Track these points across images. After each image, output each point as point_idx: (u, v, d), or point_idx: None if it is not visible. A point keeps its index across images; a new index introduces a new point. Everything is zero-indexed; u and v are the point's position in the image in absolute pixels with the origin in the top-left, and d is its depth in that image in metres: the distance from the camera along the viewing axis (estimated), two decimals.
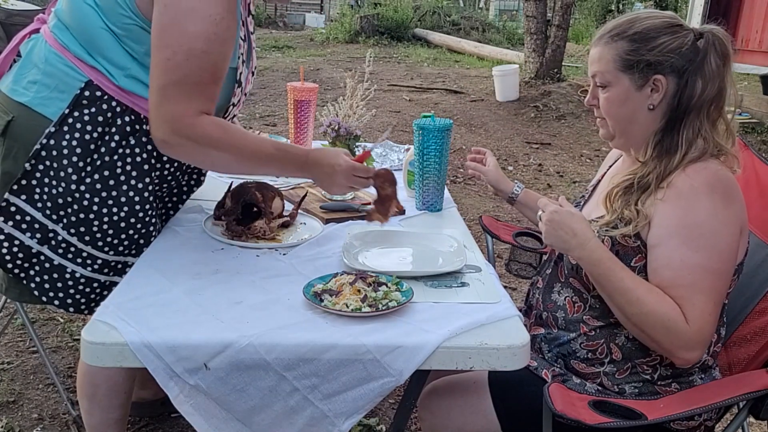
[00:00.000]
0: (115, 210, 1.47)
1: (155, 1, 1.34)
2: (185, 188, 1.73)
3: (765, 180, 1.58)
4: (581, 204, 1.61)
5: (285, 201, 1.68)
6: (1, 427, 2.08)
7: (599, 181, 1.62)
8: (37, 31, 1.55)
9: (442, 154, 1.81)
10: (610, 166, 1.62)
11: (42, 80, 1.44)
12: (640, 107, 1.37)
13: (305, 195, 1.81)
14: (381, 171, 1.52)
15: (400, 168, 2.24)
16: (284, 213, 1.65)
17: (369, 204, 1.84)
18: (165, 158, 1.54)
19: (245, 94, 1.63)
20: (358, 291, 1.26)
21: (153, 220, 1.55)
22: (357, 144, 1.91)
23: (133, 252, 1.54)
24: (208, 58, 1.35)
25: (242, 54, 1.53)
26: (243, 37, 1.53)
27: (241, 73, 1.55)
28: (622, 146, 1.49)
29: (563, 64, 8.11)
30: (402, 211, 1.82)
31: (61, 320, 2.72)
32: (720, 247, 1.27)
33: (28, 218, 1.47)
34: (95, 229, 1.47)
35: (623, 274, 1.30)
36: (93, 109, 1.43)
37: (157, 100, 1.35)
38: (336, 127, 1.84)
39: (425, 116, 1.85)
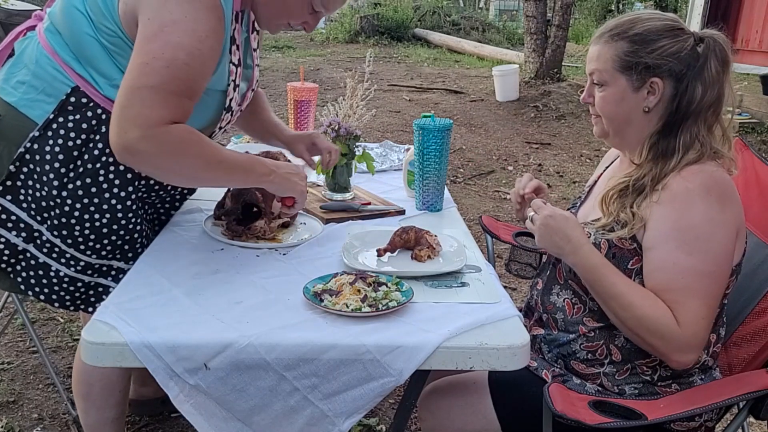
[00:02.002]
0: (96, 216, 1.47)
1: (139, 18, 1.30)
2: (178, 196, 1.72)
3: (765, 180, 1.58)
4: (578, 205, 1.61)
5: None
6: (1, 427, 2.08)
7: (596, 181, 1.62)
8: (32, 28, 1.54)
9: (442, 154, 1.81)
10: (607, 167, 1.62)
11: (30, 81, 1.44)
12: (636, 108, 1.37)
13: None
14: (397, 235, 1.51)
15: (400, 168, 2.24)
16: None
17: (369, 204, 1.85)
18: None
19: (239, 112, 1.61)
20: (358, 291, 1.26)
21: (137, 227, 1.54)
22: (357, 144, 1.91)
23: (117, 256, 1.53)
24: (188, 71, 1.29)
25: (233, 80, 1.49)
26: (237, 63, 1.48)
27: (231, 99, 1.52)
28: (617, 145, 1.49)
29: (563, 64, 8.11)
30: (402, 212, 1.82)
31: (61, 320, 2.72)
32: (715, 249, 1.27)
33: (13, 217, 1.47)
34: (77, 233, 1.47)
35: (616, 279, 1.30)
36: (78, 116, 1.42)
37: (126, 100, 1.26)
38: (336, 127, 1.84)
39: (425, 116, 1.85)
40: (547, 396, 1.19)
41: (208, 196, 1.78)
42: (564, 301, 1.44)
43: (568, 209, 1.61)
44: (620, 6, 15.55)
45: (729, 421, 1.33)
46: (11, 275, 1.52)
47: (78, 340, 2.25)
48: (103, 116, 1.43)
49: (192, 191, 1.77)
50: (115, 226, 1.49)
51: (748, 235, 1.54)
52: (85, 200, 1.45)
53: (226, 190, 1.63)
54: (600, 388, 1.39)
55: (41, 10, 1.60)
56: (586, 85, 1.44)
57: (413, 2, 13.68)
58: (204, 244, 1.52)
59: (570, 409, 1.19)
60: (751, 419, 1.34)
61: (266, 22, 1.53)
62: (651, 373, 1.37)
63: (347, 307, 1.21)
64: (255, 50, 1.62)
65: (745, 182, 1.60)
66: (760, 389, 1.23)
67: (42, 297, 1.52)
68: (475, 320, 1.20)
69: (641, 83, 1.35)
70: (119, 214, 1.49)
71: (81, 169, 1.44)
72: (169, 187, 1.63)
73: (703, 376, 1.39)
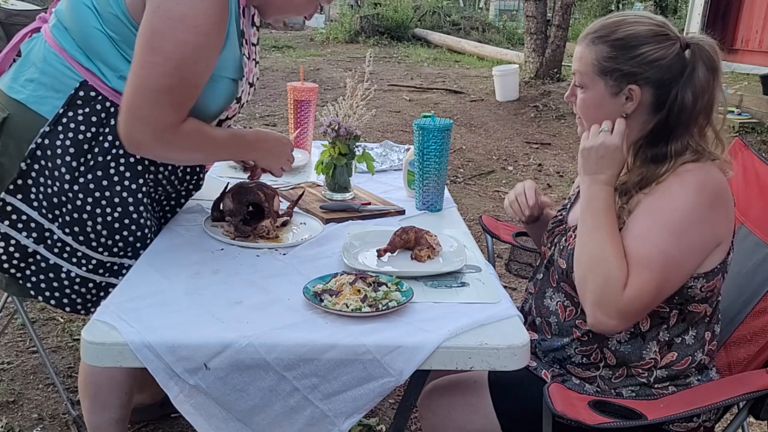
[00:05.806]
0: (108, 210, 1.47)
1: (147, 4, 1.33)
2: (183, 192, 1.73)
3: (765, 180, 1.58)
4: (567, 206, 1.60)
5: (280, 199, 1.68)
6: (1, 427, 2.08)
7: None
8: (38, 30, 1.55)
9: (442, 154, 1.81)
10: None
11: (39, 79, 1.45)
12: (615, 114, 1.35)
13: (302, 193, 1.82)
14: (397, 235, 1.51)
15: (400, 168, 2.24)
16: (279, 211, 1.65)
17: (369, 204, 1.85)
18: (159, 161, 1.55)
19: (242, 106, 1.64)
20: (358, 291, 1.26)
21: (148, 222, 1.55)
22: (357, 144, 1.91)
23: (129, 254, 1.53)
24: (195, 68, 1.36)
25: (247, 73, 1.55)
26: (248, 55, 1.54)
27: (243, 91, 1.56)
28: None
29: (563, 64, 8.11)
30: (402, 212, 1.82)
31: (61, 320, 2.72)
32: (688, 238, 1.25)
33: (24, 217, 1.47)
34: (89, 229, 1.47)
35: (608, 219, 1.29)
36: (87, 109, 1.44)
37: (140, 99, 1.33)
38: (336, 127, 1.84)
39: (425, 116, 1.85)
40: (547, 396, 1.19)
41: (209, 196, 1.77)
42: (557, 304, 1.44)
43: (559, 211, 1.61)
44: (620, 6, 15.54)
45: (729, 421, 1.33)
46: (20, 281, 1.52)
47: (78, 340, 2.25)
48: (112, 109, 1.45)
49: (198, 187, 1.77)
50: (126, 221, 1.50)
51: (748, 235, 1.54)
52: (97, 194, 1.46)
53: (223, 189, 1.64)
54: (598, 389, 1.39)
55: (44, 12, 1.61)
56: (571, 84, 1.44)
57: (413, 2, 13.68)
58: (204, 244, 1.52)
59: (570, 409, 1.19)
60: (751, 419, 1.34)
61: (271, 17, 1.60)
62: (647, 376, 1.37)
63: (347, 307, 1.21)
64: (255, 45, 1.63)
65: (745, 182, 1.60)
66: (759, 389, 1.22)
67: (53, 302, 1.52)
68: (475, 320, 1.20)
69: (618, 89, 1.33)
70: (130, 207, 1.50)
71: (92, 162, 1.45)
72: (175, 182, 1.64)
73: (699, 377, 1.38)
